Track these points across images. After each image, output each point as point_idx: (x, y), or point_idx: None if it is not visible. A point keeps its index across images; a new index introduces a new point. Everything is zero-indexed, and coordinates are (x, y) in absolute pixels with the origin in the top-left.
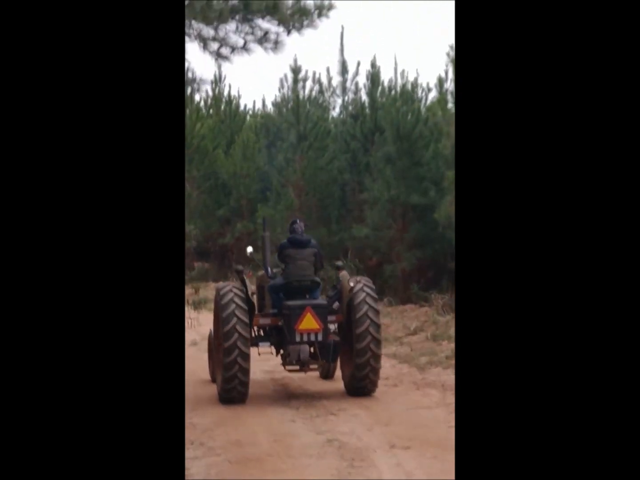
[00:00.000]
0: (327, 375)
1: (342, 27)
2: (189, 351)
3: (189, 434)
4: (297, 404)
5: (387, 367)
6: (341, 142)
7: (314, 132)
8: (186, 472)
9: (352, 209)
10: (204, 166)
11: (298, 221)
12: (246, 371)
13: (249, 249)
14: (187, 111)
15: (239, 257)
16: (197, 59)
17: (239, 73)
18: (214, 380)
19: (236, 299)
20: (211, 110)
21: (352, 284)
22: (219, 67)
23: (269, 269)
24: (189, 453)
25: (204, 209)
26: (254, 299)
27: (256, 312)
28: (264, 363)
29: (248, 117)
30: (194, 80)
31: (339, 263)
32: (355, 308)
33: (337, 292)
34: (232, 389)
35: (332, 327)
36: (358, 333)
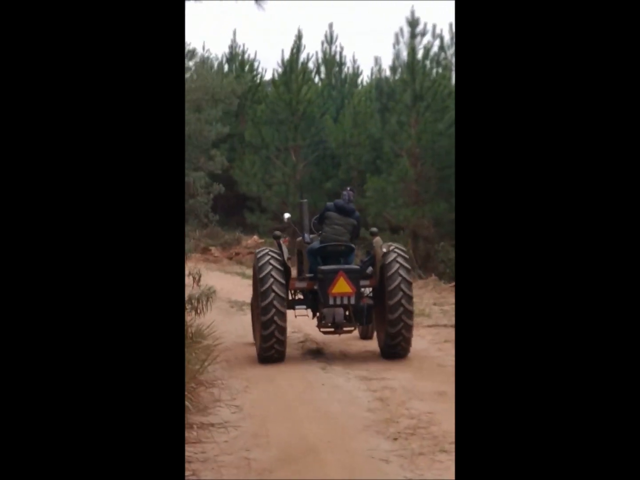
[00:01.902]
0: (365, 335)
1: None
2: None
3: (241, 475)
4: (395, 430)
5: None
6: None
7: (432, 91)
8: None
9: None
10: (311, 134)
11: (349, 189)
12: (283, 329)
13: (286, 215)
14: (293, 75)
15: None
16: None
17: (352, 34)
18: None
19: (272, 261)
20: (321, 74)
21: (384, 250)
22: (330, 26)
23: (306, 235)
24: None
25: (311, 182)
26: (290, 263)
27: (293, 275)
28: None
29: (363, 81)
30: None
31: (374, 229)
32: (388, 279)
33: (371, 257)
34: (270, 347)
35: (366, 290)
36: (390, 304)
